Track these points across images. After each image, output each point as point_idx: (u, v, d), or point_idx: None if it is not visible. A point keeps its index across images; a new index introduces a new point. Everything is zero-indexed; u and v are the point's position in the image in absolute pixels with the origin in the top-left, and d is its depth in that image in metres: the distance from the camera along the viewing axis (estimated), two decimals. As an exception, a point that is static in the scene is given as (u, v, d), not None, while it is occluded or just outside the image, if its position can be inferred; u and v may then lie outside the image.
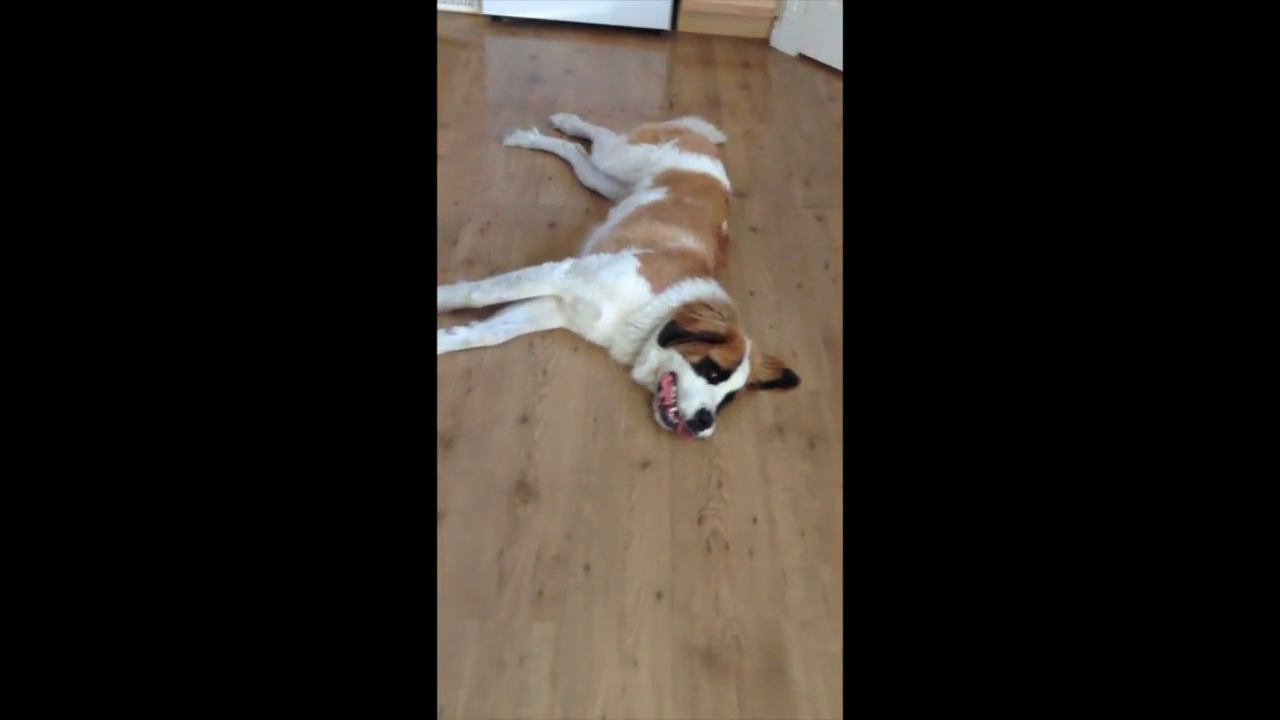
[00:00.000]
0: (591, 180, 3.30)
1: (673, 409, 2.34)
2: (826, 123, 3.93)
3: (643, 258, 2.57)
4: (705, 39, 4.59)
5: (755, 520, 2.20)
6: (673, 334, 2.41)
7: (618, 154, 3.19)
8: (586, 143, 3.44)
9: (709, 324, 2.41)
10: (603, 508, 2.17)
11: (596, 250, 2.71)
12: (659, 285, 2.54)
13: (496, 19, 4.51)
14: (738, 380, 2.42)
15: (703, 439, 2.36)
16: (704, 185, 2.95)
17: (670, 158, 3.05)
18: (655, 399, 2.40)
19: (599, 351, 2.62)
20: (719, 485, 2.28)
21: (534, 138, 3.50)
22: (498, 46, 4.31)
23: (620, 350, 2.58)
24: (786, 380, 2.57)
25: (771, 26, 4.57)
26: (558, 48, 4.33)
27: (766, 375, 2.55)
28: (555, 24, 4.52)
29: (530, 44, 4.36)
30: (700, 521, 2.18)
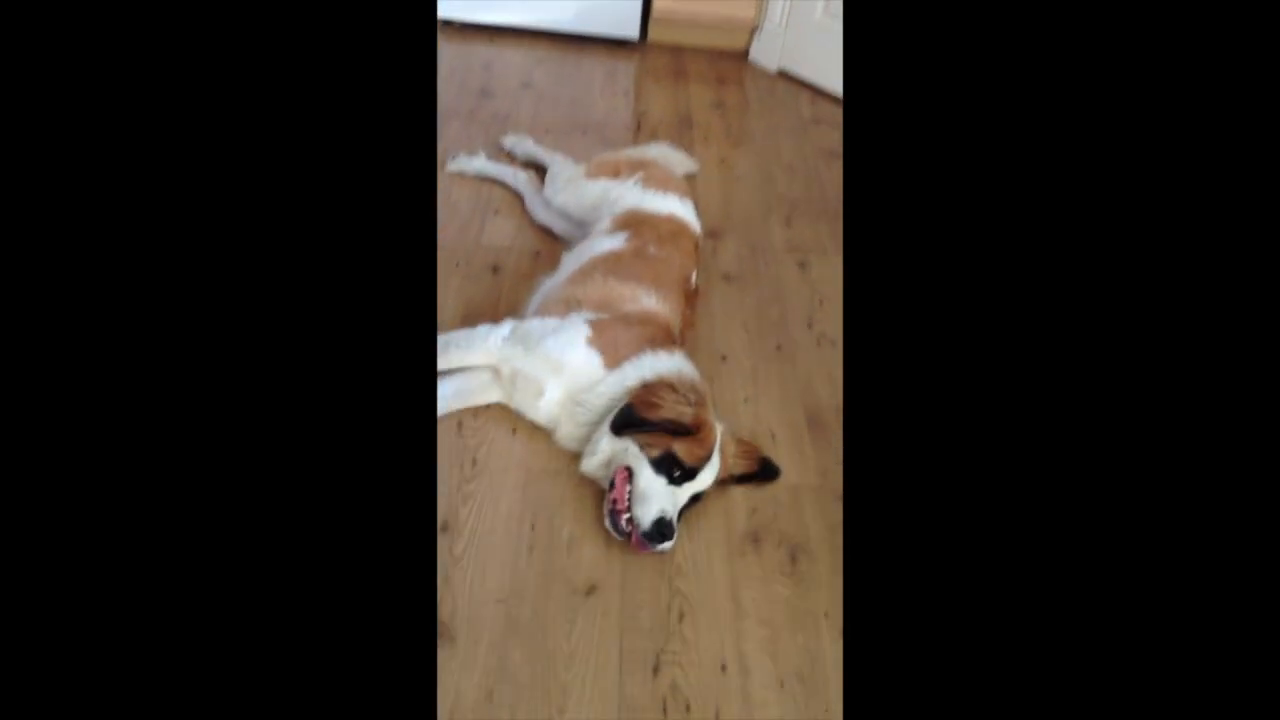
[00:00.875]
0: (543, 217, 2.87)
1: (625, 515, 1.92)
2: (810, 150, 3.52)
3: (596, 325, 2.15)
4: (677, 51, 4.17)
5: (724, 668, 1.78)
6: (628, 422, 1.99)
7: (573, 189, 2.76)
8: (541, 170, 3.01)
9: (672, 410, 1.99)
10: (535, 653, 1.75)
11: (543, 310, 2.28)
12: (614, 359, 2.12)
13: (448, 23, 4.05)
14: (705, 479, 2.01)
15: (661, 552, 1.94)
16: (671, 231, 2.53)
17: (632, 196, 2.63)
18: (606, 498, 1.98)
19: (541, 434, 2.19)
20: (680, 618, 1.86)
21: (480, 164, 3.05)
22: (448, 54, 3.85)
23: (566, 434, 2.15)
24: (764, 473, 2.16)
25: (750, 38, 4.16)
26: (514, 57, 3.89)
27: (741, 468, 2.14)
28: (512, 30, 4.07)
29: (483, 51, 3.90)
30: (656, 671, 1.76)
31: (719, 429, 2.06)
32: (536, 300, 2.40)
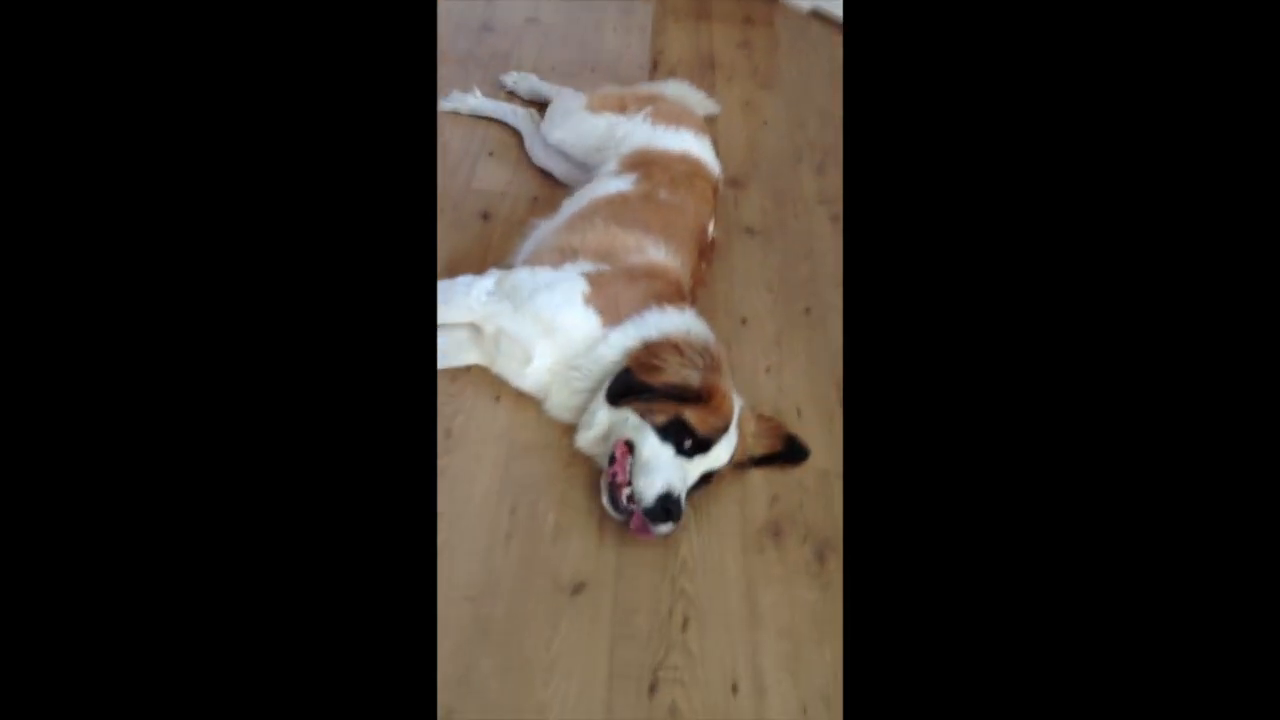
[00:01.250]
0: (543, 157, 2.55)
1: (626, 490, 1.62)
2: (846, 95, 3.16)
3: (594, 279, 1.83)
4: (701, -12, 3.80)
5: (735, 689, 1.48)
6: (626, 388, 1.68)
7: (573, 123, 2.43)
8: (545, 109, 2.67)
9: (676, 375, 1.68)
10: (507, 663, 1.45)
11: (535, 260, 1.96)
12: (613, 316, 1.80)
13: (448, -47, 3.70)
14: (720, 455, 1.69)
15: (663, 535, 1.64)
16: (685, 172, 2.20)
17: (641, 133, 2.29)
18: (604, 474, 1.67)
19: (530, 403, 1.88)
20: (684, 625, 1.56)
21: (475, 101, 2.72)
22: (448, 3, 3.50)
23: (558, 404, 1.84)
24: (790, 454, 1.85)
25: (782, -25, 3.78)
26: (519, 4, 3.53)
27: (762, 448, 1.82)
28: (519, -38, 3.71)
29: (486, -9, 3.55)
30: (653, 689, 1.46)
31: (738, 403, 1.74)
32: (529, 247, 2.08)
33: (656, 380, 1.67)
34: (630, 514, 1.62)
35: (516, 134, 2.67)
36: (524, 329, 1.80)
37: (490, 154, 2.61)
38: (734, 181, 2.64)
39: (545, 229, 2.12)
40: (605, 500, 1.65)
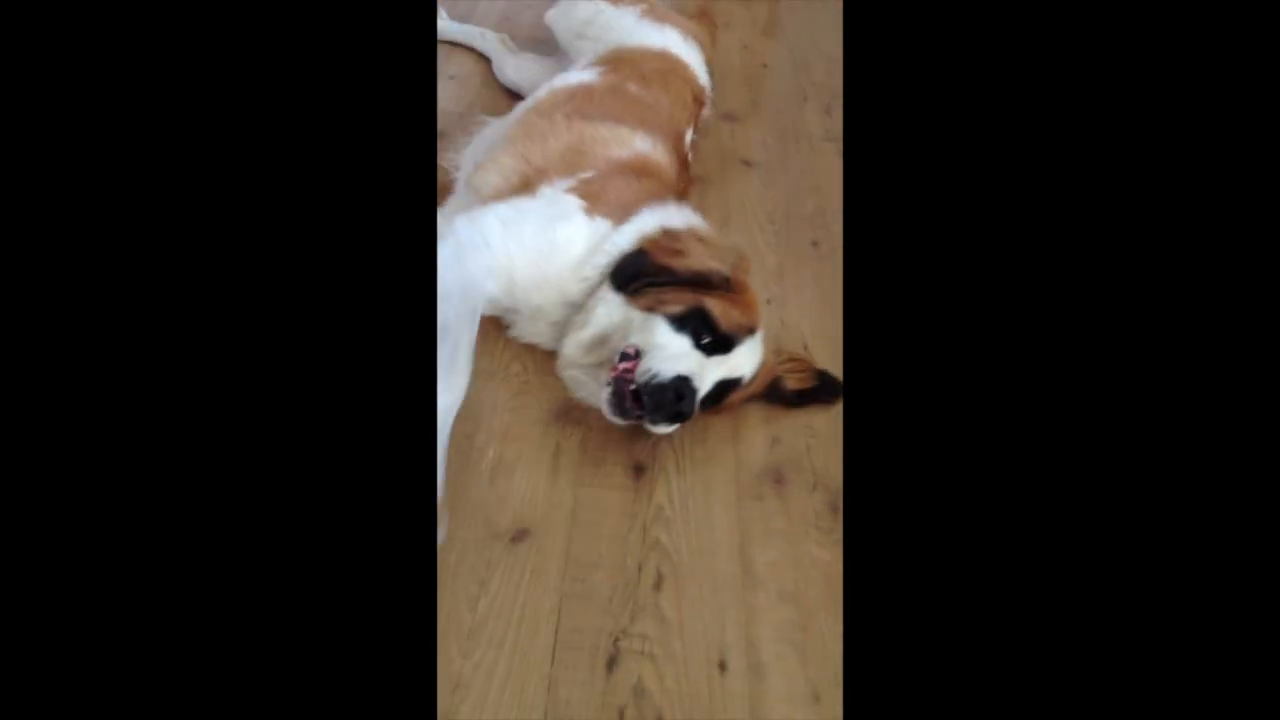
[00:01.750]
0: (513, 74, 2.23)
1: (633, 383, 1.25)
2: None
3: (584, 191, 1.48)
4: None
5: (723, 666, 1.11)
6: (638, 270, 1.34)
7: (563, 5, 2.13)
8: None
9: (700, 262, 1.34)
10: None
11: (484, 165, 1.61)
12: (620, 215, 1.45)
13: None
14: (742, 362, 1.34)
15: (663, 433, 1.27)
16: (659, 69, 1.87)
17: (624, 25, 1.98)
18: (605, 375, 1.30)
19: (486, 322, 1.52)
20: (657, 585, 1.19)
21: (441, 24, 2.41)
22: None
23: (529, 318, 1.48)
24: (825, 390, 1.50)
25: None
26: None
27: (794, 380, 1.48)
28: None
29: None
30: (613, 663, 1.09)
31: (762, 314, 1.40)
32: (476, 146, 1.75)
33: (679, 264, 1.33)
34: (640, 416, 1.24)
35: (484, 61, 2.35)
36: (521, 269, 1.43)
37: (451, 77, 2.29)
38: (729, 115, 2.32)
39: (496, 126, 1.78)
40: (607, 401, 1.26)
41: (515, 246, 1.41)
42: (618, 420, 1.27)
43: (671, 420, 1.23)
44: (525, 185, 1.54)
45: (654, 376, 1.21)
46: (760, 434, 1.45)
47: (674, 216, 1.45)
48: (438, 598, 1.11)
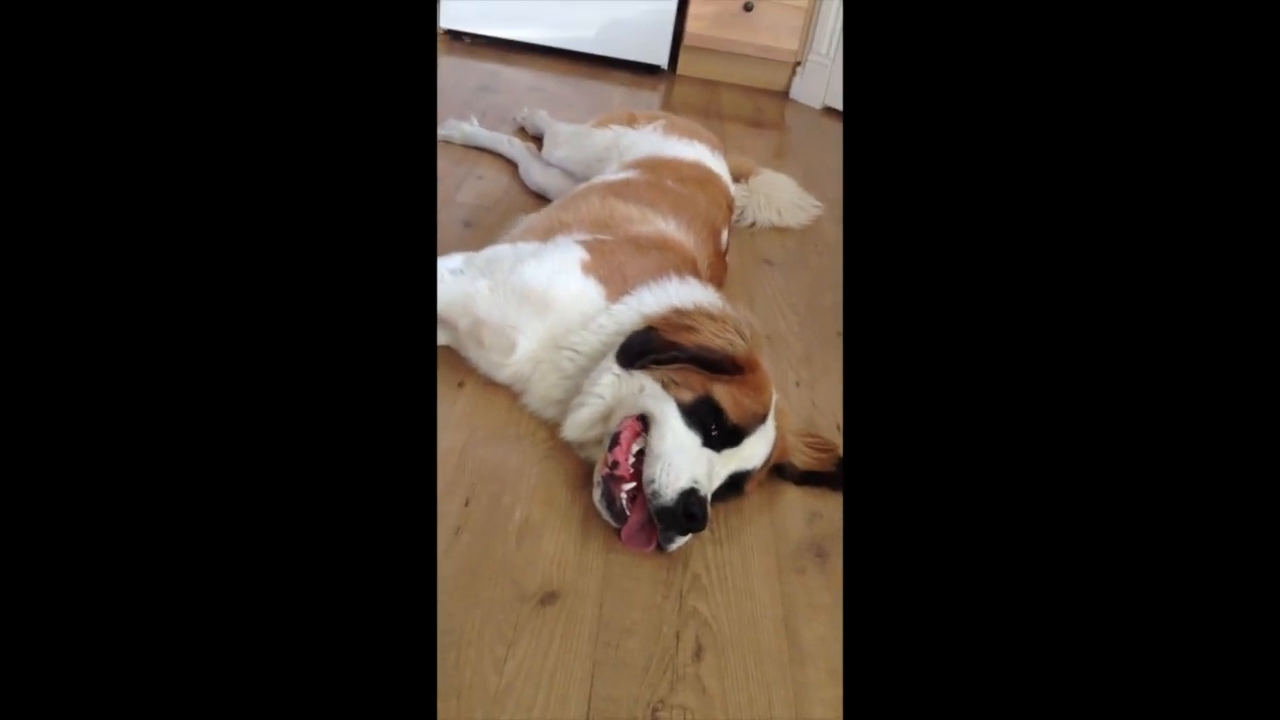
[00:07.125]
0: (539, 179, 2.28)
1: (628, 485, 1.20)
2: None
3: (593, 247, 1.49)
4: (711, 86, 3.74)
5: (773, 740, 1.00)
6: (647, 347, 1.30)
7: (576, 140, 2.21)
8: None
9: (709, 338, 1.30)
10: (444, 687, 0.97)
11: (517, 240, 1.63)
12: (618, 288, 1.44)
13: (456, 35, 3.66)
14: (754, 453, 1.29)
15: (669, 550, 1.20)
16: (695, 176, 1.93)
17: (649, 142, 2.05)
18: (600, 463, 1.25)
19: (501, 392, 1.49)
20: (697, 654, 1.09)
21: (471, 129, 2.51)
22: (450, 66, 3.42)
23: (540, 395, 1.44)
24: (836, 478, 1.43)
25: (792, 75, 3.74)
26: (524, 76, 3.44)
27: (808, 460, 1.41)
28: (527, 46, 3.66)
29: (491, 67, 3.47)
30: (651, 734, 0.98)
31: (775, 396, 1.35)
32: (515, 232, 1.76)
33: (689, 341, 1.29)
34: (628, 518, 1.19)
35: (511, 165, 2.43)
36: (506, 309, 1.42)
37: (480, 178, 2.35)
38: (751, 224, 2.37)
39: (531, 217, 1.80)
40: (597, 496, 1.23)
41: (511, 269, 1.44)
42: (610, 520, 1.22)
43: (684, 534, 1.18)
44: (548, 235, 1.55)
45: (659, 497, 1.16)
46: (797, 509, 1.38)
47: (683, 292, 1.42)
48: (462, 657, 1.01)
